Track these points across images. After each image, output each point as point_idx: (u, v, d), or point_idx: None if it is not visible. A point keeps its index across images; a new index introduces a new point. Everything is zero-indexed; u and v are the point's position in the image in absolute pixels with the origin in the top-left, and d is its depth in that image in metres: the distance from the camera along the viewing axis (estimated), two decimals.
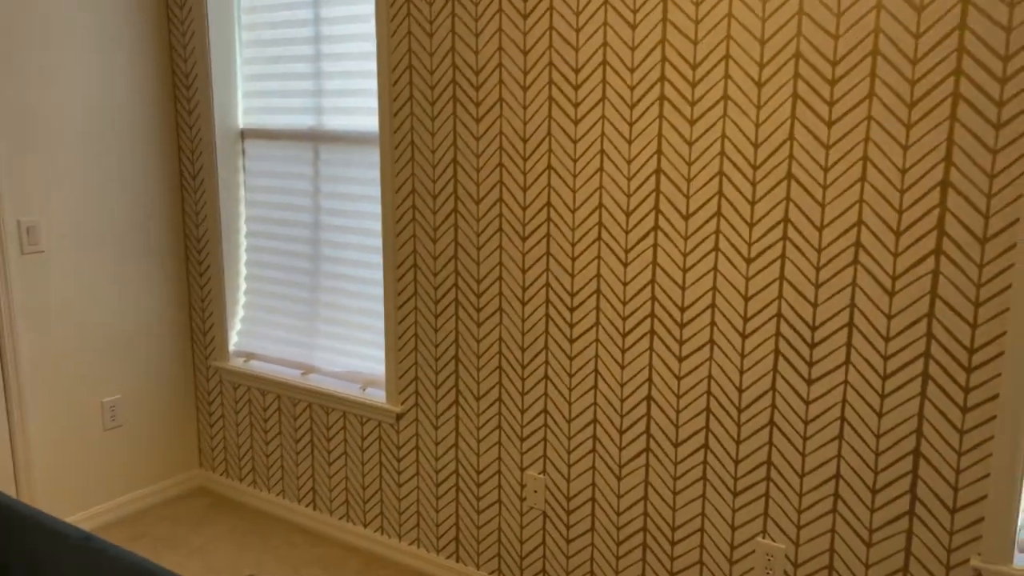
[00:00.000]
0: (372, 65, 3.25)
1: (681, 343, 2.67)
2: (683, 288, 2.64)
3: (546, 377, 2.96)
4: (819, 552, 2.51)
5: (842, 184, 2.33)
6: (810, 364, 2.45)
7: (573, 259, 2.83)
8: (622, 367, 2.79)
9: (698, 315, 2.62)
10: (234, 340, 3.88)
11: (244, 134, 3.73)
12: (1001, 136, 2.10)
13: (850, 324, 2.37)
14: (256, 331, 3.80)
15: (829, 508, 2.48)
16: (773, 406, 2.53)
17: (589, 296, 2.81)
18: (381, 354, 3.40)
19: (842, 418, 2.42)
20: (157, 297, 3.83)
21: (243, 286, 3.84)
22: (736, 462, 2.62)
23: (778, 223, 2.45)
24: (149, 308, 3.80)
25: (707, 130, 2.51)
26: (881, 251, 2.30)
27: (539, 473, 3.03)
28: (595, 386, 2.86)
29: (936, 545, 2.33)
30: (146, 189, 3.73)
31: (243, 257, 3.83)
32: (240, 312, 3.86)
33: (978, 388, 2.21)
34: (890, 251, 2.29)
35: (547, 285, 2.90)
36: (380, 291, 3.37)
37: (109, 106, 3.56)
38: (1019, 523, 2.21)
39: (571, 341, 2.88)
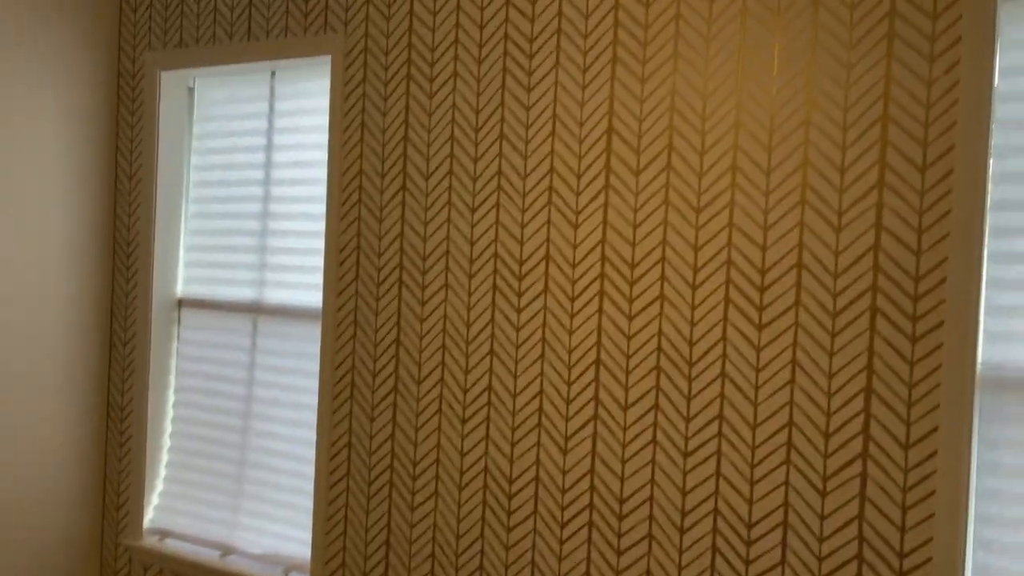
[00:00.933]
0: (320, 243, 3.32)
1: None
2: (622, 479, 2.66)
3: None
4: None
5: (774, 384, 2.45)
6: (748, 544, 2.47)
7: (512, 444, 2.84)
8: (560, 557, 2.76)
9: (636, 507, 2.64)
10: (150, 516, 3.68)
11: (182, 303, 3.71)
12: (917, 349, 2.26)
13: (784, 524, 2.42)
14: (175, 506, 3.62)
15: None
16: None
17: (528, 483, 2.81)
18: (308, 536, 3.28)
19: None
20: (67, 467, 3.64)
21: (165, 458, 3.70)
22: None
23: (713, 419, 2.53)
24: (57, 477, 3.61)
25: (645, 326, 2.63)
26: (811, 451, 2.39)
27: None
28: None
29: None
30: (69, 353, 3.63)
31: (168, 428, 3.70)
32: (159, 486, 3.70)
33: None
34: (820, 452, 2.38)
35: (485, 470, 2.88)
36: (311, 469, 3.29)
37: (44, 268, 3.52)
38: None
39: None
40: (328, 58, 3.25)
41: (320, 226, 3.32)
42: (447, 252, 2.98)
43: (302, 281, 3.37)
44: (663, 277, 2.61)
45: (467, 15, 2.95)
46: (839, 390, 2.36)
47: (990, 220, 2.23)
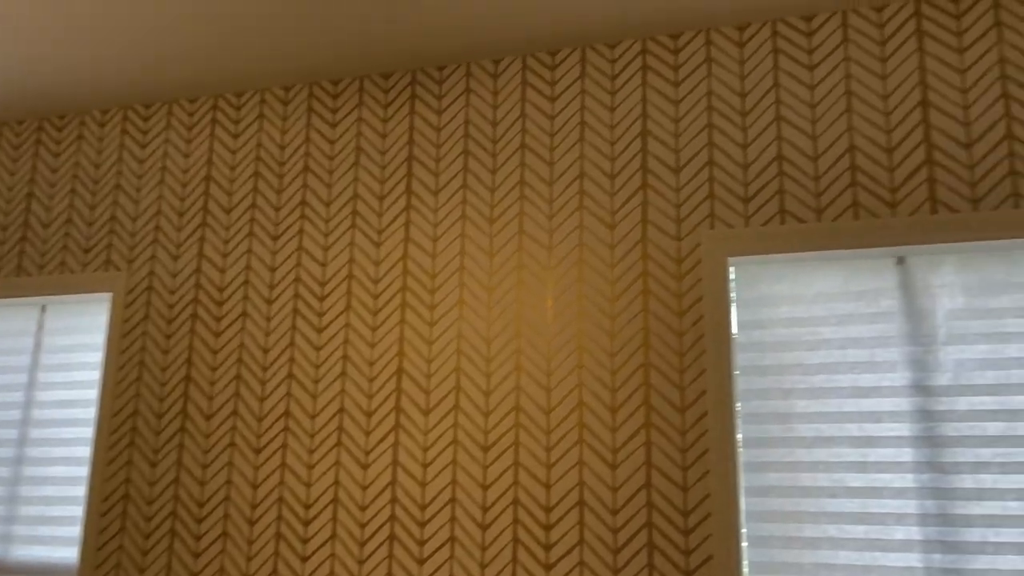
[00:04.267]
0: (81, 490, 3.04)
1: None
2: None
3: None
4: None
5: None
6: None
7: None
8: None
9: None
10: None
11: None
12: None
13: None
14: None
15: None
16: None
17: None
18: None
19: None
20: None
21: None
22: None
23: None
24: None
25: (435, 571, 2.58)
26: None
27: None
28: None
29: None
30: None
31: None
32: None
33: None
34: None
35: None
36: None
37: None
38: None
39: None
40: (108, 295, 3.16)
41: (84, 471, 3.06)
42: (227, 498, 2.83)
43: (57, 535, 3.03)
44: (453, 518, 2.61)
45: (258, 257, 3.02)
46: None
47: (742, 457, 2.46)
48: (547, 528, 2.52)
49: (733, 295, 2.56)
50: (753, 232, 2.53)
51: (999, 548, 2.22)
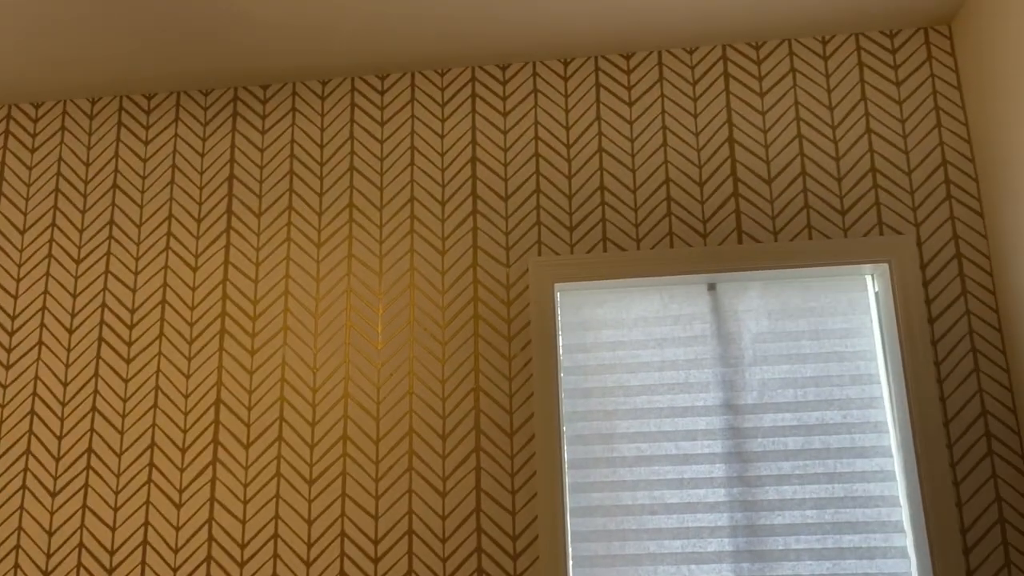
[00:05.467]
0: None
1: None
2: None
3: None
4: None
5: None
6: None
7: None
8: None
9: None
10: None
11: None
12: None
13: None
14: None
15: None
16: None
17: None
18: None
19: None
20: None
21: None
22: None
23: None
24: None
25: None
26: None
27: None
28: None
29: None
30: None
31: None
32: None
33: None
34: None
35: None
36: None
37: None
38: None
39: None
40: None
41: None
42: (17, 546, 2.56)
43: None
44: (276, 555, 2.49)
45: (57, 281, 2.78)
46: None
47: (568, 478, 2.52)
48: (375, 560, 2.46)
49: (559, 320, 2.63)
50: (578, 259, 2.61)
51: (800, 555, 2.40)
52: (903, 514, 2.40)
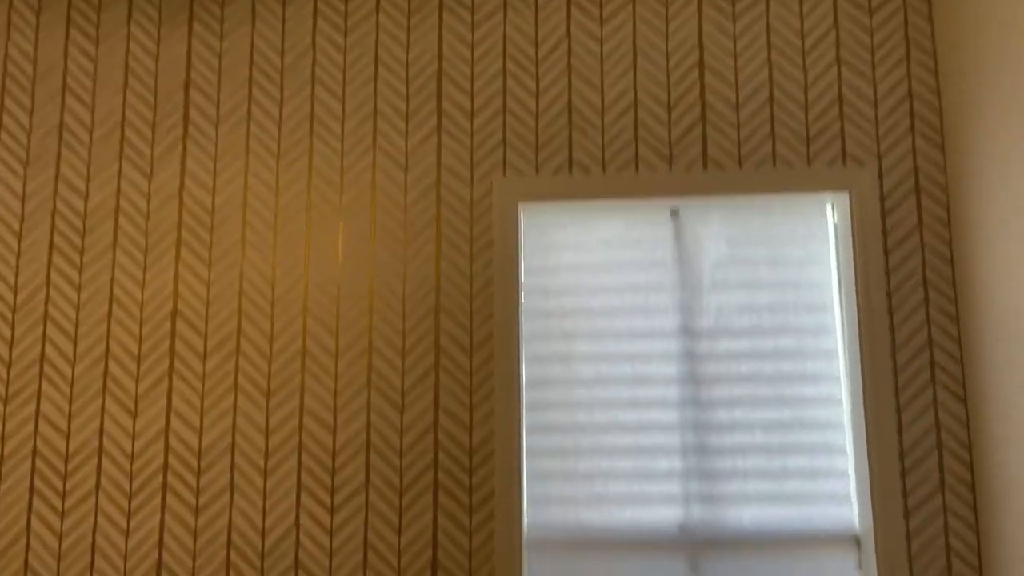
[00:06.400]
0: None
1: None
2: None
3: None
4: None
5: (347, 569, 2.44)
6: None
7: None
8: None
9: None
10: None
11: None
12: (474, 519, 2.44)
13: None
14: None
15: None
16: None
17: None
18: None
19: None
20: None
21: None
22: None
23: None
24: None
25: (214, 519, 2.48)
26: None
27: None
28: None
29: None
30: None
31: None
32: None
33: None
34: None
35: None
36: None
37: None
38: None
39: None
40: None
41: None
42: None
43: None
44: (233, 465, 2.51)
45: (6, 185, 2.69)
46: (409, 566, 2.43)
47: (525, 396, 2.55)
48: (332, 473, 2.49)
49: (522, 240, 2.62)
50: (543, 180, 2.59)
51: (746, 474, 2.48)
52: (846, 437, 2.49)
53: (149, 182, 2.67)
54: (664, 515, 2.47)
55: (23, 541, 2.50)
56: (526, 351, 2.57)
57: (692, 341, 2.56)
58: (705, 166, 2.57)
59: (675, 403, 2.52)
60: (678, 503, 2.47)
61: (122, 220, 2.66)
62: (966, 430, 2.40)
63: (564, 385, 2.56)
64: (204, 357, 2.57)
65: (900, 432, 2.41)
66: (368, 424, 2.51)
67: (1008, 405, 2.20)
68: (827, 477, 2.47)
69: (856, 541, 2.43)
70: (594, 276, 2.61)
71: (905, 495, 2.38)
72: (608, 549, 2.46)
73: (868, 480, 2.39)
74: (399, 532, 2.45)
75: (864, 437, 2.42)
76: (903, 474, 2.39)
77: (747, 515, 2.45)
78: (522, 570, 2.40)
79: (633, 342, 2.57)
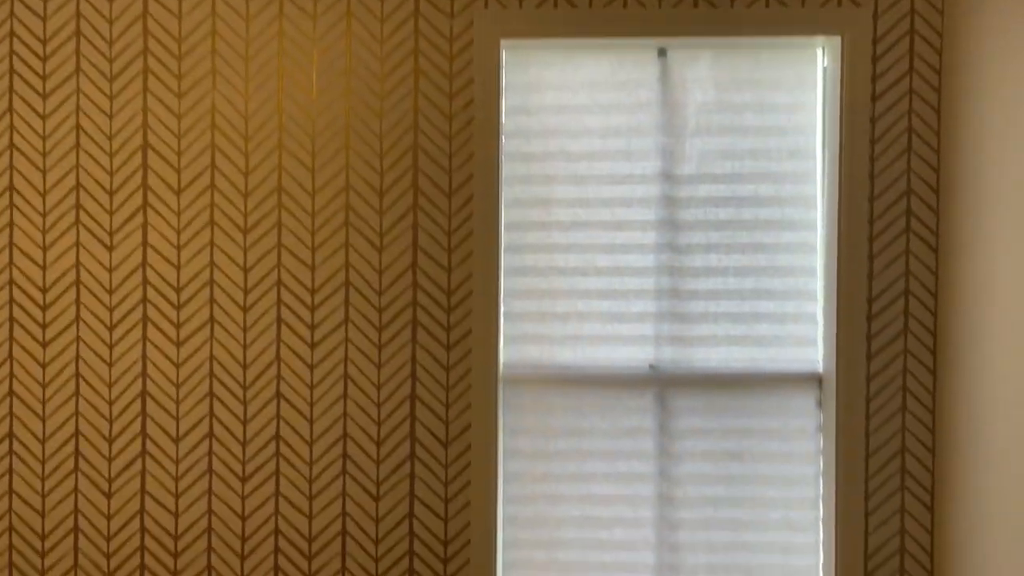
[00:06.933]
0: None
1: (177, 574, 2.53)
2: (176, 515, 2.53)
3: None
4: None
5: (328, 399, 2.53)
6: None
7: (44, 496, 2.53)
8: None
9: (194, 540, 2.53)
10: None
11: None
12: (451, 355, 2.51)
13: (343, 532, 2.52)
14: None
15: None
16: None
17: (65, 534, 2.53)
18: None
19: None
20: None
21: None
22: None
23: (270, 440, 2.53)
24: None
25: (195, 351, 2.53)
26: (365, 460, 2.52)
27: None
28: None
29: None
30: None
31: None
32: None
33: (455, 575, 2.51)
34: (373, 459, 2.52)
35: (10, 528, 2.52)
36: None
37: None
38: None
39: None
40: None
41: None
42: None
43: None
44: (212, 300, 2.53)
45: None
46: (387, 399, 2.52)
47: (504, 239, 2.56)
48: (312, 308, 2.52)
49: (503, 79, 2.54)
50: (526, 13, 2.48)
51: (717, 318, 2.55)
52: (817, 283, 2.54)
53: (111, 3, 2.52)
54: (635, 355, 2.55)
55: (7, 368, 2.54)
56: (505, 194, 2.55)
57: (672, 186, 2.55)
58: (696, 3, 2.46)
59: (652, 248, 2.54)
60: (650, 344, 2.55)
61: (83, 45, 2.53)
62: (935, 278, 2.46)
63: (542, 228, 2.56)
64: (178, 192, 2.53)
65: (871, 278, 2.46)
66: (347, 263, 2.52)
67: (977, 254, 2.24)
68: (796, 321, 2.54)
69: (818, 381, 2.53)
70: (577, 118, 2.55)
71: (869, 338, 2.46)
72: (580, 386, 2.55)
73: (835, 323, 2.46)
74: (378, 366, 2.52)
75: (835, 281, 2.47)
76: (869, 317, 2.46)
77: (715, 356, 2.54)
78: (497, 404, 2.49)
79: (613, 187, 2.55)
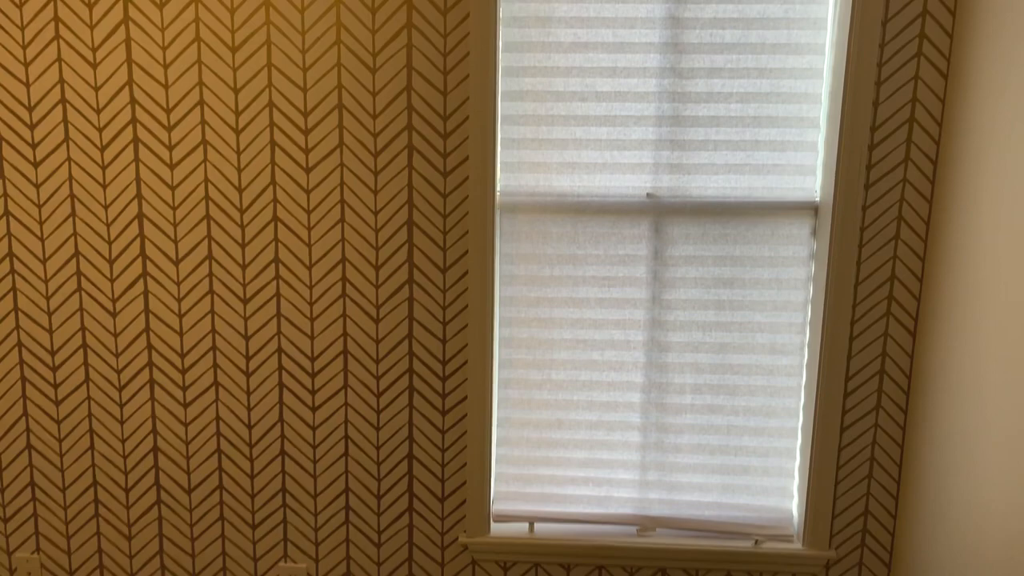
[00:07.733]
0: None
1: (184, 388, 2.64)
2: (181, 334, 2.61)
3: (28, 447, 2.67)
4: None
5: (325, 224, 2.54)
6: (313, 392, 2.64)
7: (49, 314, 2.59)
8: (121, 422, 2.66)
9: (199, 359, 2.62)
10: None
11: None
12: (448, 182, 2.50)
13: (345, 352, 2.61)
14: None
15: (342, 521, 2.71)
16: (282, 436, 2.66)
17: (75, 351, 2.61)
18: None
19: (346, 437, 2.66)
20: None
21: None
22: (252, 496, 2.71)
23: (269, 263, 2.56)
24: None
25: (189, 174, 2.51)
26: (364, 284, 2.57)
27: (32, 553, 2.74)
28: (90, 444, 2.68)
29: (432, 532, 2.71)
30: None
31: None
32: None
33: (452, 392, 2.62)
34: (372, 283, 2.57)
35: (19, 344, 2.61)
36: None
37: None
38: (491, 498, 2.70)
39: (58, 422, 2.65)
40: None
41: None
42: None
43: None
44: (203, 121, 2.48)
45: None
46: (385, 224, 2.53)
47: (501, 61, 2.47)
48: (306, 132, 2.48)
49: None
50: None
51: (717, 145, 2.51)
52: (821, 109, 2.48)
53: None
54: (633, 182, 2.53)
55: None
56: (503, 11, 2.44)
57: (678, 5, 2.43)
58: None
59: (654, 72, 2.47)
60: (648, 172, 2.52)
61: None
62: (941, 106, 2.40)
63: (541, 50, 2.47)
64: (161, 5, 2.42)
65: (875, 104, 2.41)
66: (339, 85, 2.45)
67: (986, 82, 2.18)
68: (796, 149, 2.51)
69: (814, 210, 2.54)
70: None
71: (869, 167, 2.44)
72: (577, 213, 2.55)
73: (836, 151, 2.43)
74: (375, 192, 2.51)
75: (840, 107, 2.41)
76: (871, 147, 2.43)
77: (713, 184, 2.53)
78: (494, 231, 2.50)
79: (616, 5, 2.43)
